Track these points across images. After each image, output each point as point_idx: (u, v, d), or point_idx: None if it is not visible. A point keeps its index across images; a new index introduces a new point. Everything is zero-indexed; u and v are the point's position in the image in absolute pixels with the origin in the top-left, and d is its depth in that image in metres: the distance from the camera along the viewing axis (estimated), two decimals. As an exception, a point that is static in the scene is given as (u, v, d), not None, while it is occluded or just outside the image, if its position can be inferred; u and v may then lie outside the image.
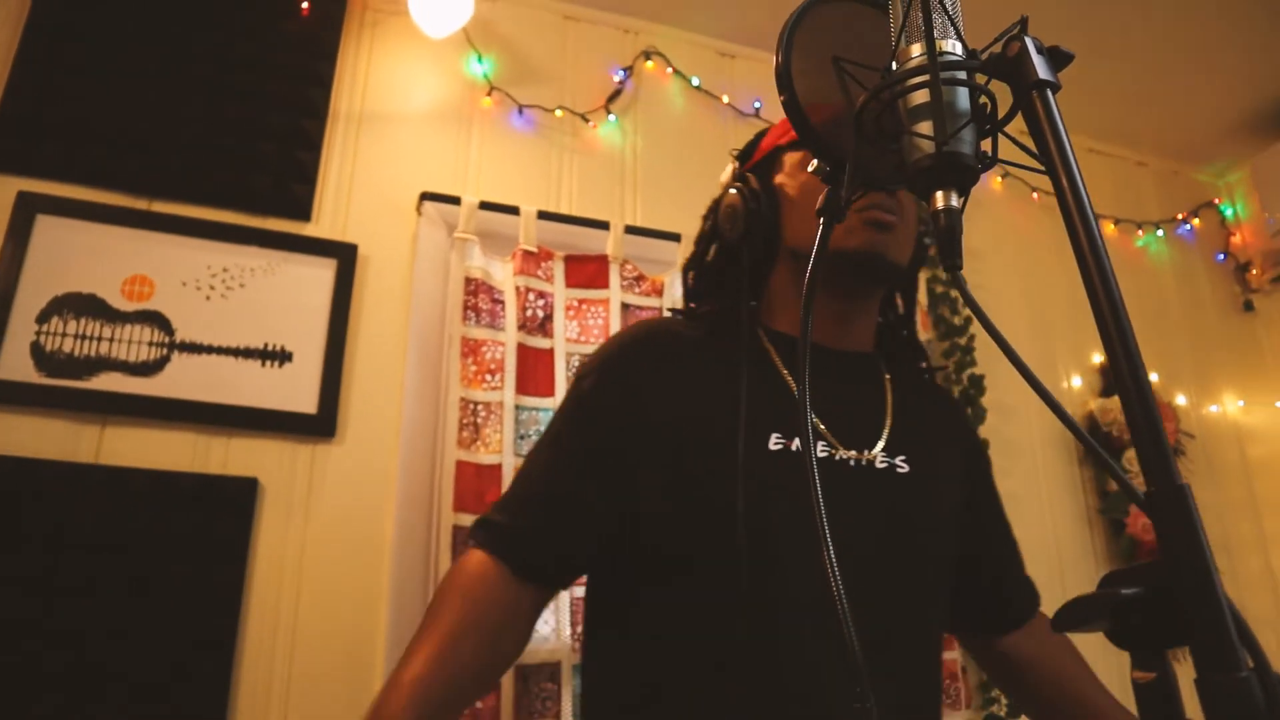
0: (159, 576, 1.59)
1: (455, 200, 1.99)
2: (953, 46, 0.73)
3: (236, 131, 1.90)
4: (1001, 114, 0.71)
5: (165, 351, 1.72)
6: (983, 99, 0.71)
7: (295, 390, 1.78)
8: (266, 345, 1.79)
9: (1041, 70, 0.66)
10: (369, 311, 1.91)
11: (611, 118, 2.28)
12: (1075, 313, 2.64)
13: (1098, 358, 2.60)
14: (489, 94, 2.16)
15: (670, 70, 2.39)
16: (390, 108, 2.08)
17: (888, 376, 1.05)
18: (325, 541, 1.73)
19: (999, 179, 2.67)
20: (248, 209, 1.87)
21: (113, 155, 1.80)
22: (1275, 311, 2.83)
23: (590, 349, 1.96)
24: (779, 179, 1.03)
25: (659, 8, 2.39)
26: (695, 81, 2.39)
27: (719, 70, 2.47)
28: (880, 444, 0.97)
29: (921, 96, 0.74)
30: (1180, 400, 2.60)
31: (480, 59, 2.17)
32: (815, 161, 0.85)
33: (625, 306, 2.06)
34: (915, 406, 1.04)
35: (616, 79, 2.32)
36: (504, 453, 1.83)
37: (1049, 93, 0.66)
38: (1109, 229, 2.77)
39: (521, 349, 1.91)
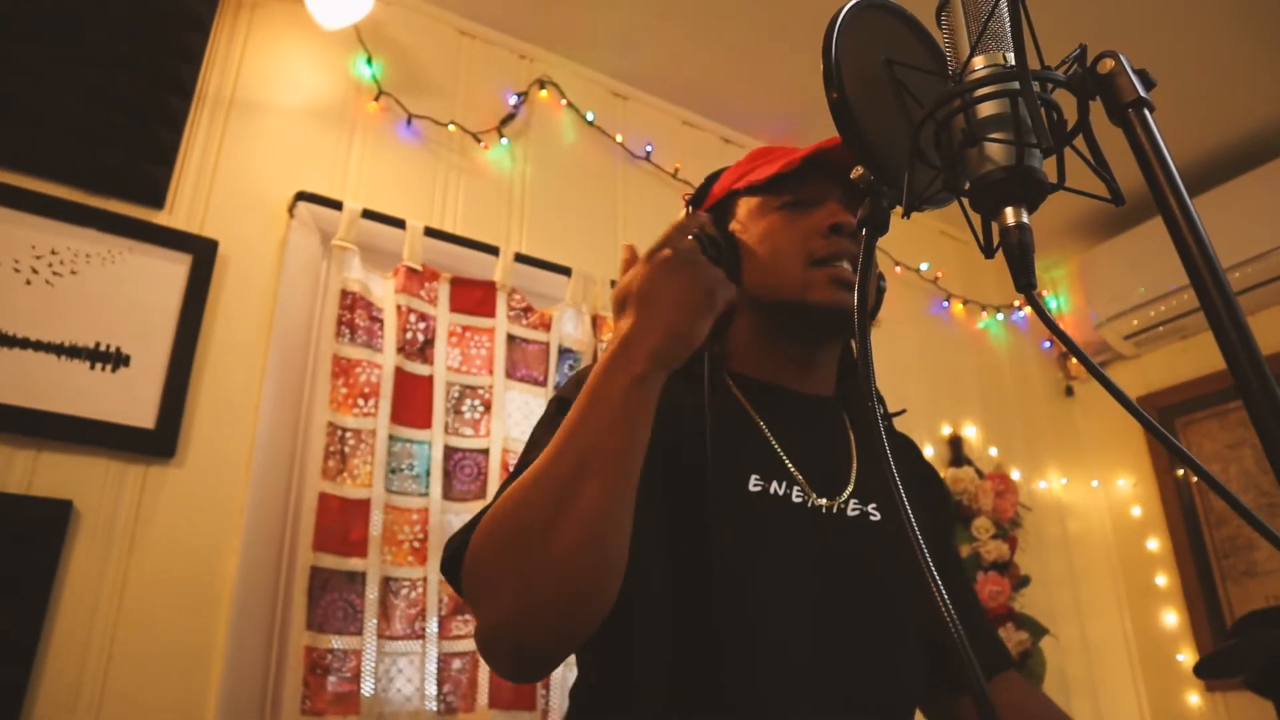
0: (-70, 617, 1.28)
1: (335, 205, 1.80)
2: (1011, 59, 0.70)
3: (85, 97, 1.63)
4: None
5: (-35, 341, 1.42)
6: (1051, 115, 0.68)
7: (130, 400, 1.51)
8: (99, 345, 1.51)
9: (1139, 87, 0.63)
10: (225, 317, 1.67)
11: (504, 141, 2.17)
12: (928, 384, 2.76)
13: (947, 429, 2.71)
14: (377, 98, 2.00)
15: (564, 102, 2.32)
16: (266, 96, 1.87)
17: (849, 421, 1.02)
18: (151, 582, 1.46)
19: (865, 251, 2.77)
20: (88, 186, 1.59)
21: (-82, 102, 1.49)
22: (1092, 399, 3.08)
23: (474, 380, 1.82)
24: (735, 225, 1.00)
25: (555, 38, 2.33)
26: (590, 116, 2.33)
27: (611, 108, 2.43)
28: (849, 489, 0.94)
29: (992, 108, 0.69)
30: (1015, 475, 2.75)
31: (370, 61, 2.00)
32: (859, 169, 0.80)
33: (511, 338, 1.93)
34: (876, 461, 1.01)
35: (510, 103, 2.22)
36: (374, 486, 1.63)
37: (1146, 111, 0.62)
38: (957, 308, 2.94)
39: (399, 374, 1.73)
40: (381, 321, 1.76)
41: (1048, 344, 3.17)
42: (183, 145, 1.73)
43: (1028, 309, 3.13)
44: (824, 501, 0.91)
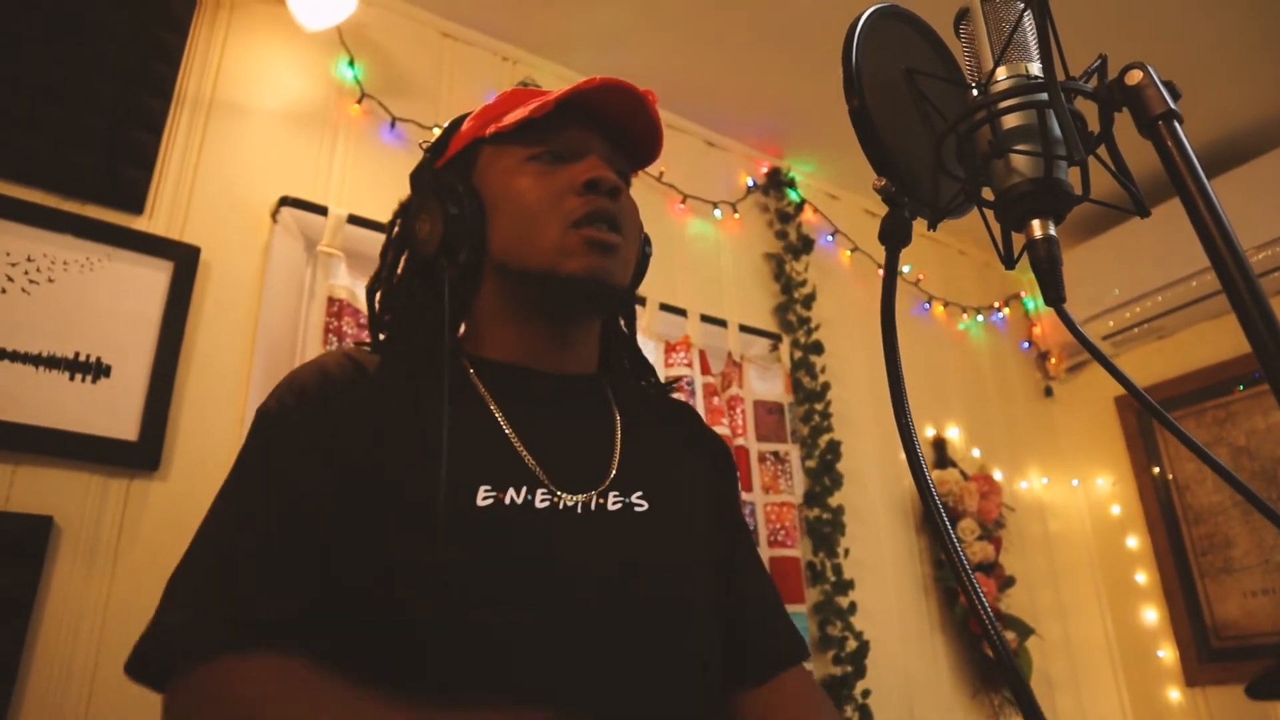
0: (-95, 641, 1.23)
1: (319, 209, 1.76)
2: (1037, 70, 0.70)
3: (60, 98, 1.58)
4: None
5: (-62, 353, 1.37)
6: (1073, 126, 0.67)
7: (111, 412, 1.47)
8: (78, 355, 1.46)
9: (1168, 100, 0.63)
10: (208, 325, 1.63)
11: (489, 145, 2.14)
12: (912, 386, 2.76)
13: (931, 431, 2.73)
14: (359, 101, 1.96)
15: (548, 106, 2.29)
16: (247, 98, 1.83)
17: (613, 399, 0.92)
18: (136, 600, 1.42)
19: (848, 253, 2.78)
20: (65, 191, 1.54)
21: (-115, 105, 1.44)
22: (1070, 398, 3.11)
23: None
24: (477, 178, 0.88)
25: (537, 40, 2.31)
26: (574, 120, 2.31)
27: (595, 113, 2.41)
28: (608, 479, 0.82)
29: (1017, 119, 0.69)
30: (998, 475, 2.77)
31: (352, 63, 1.97)
32: (882, 180, 0.78)
33: (500, 344, 1.90)
34: (648, 429, 0.91)
35: (495, 106, 2.19)
36: (363, 498, 1.60)
37: (1176, 124, 0.62)
38: (939, 310, 2.95)
39: (388, 382, 1.70)
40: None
41: (1026, 344, 3.20)
42: (162, 148, 1.68)
43: (1006, 310, 3.16)
44: (578, 498, 0.79)
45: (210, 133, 1.76)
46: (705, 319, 2.28)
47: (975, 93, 0.70)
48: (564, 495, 0.79)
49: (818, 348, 2.48)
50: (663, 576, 0.82)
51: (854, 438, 2.48)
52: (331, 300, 1.69)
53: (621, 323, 0.99)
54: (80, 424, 1.43)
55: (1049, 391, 3.15)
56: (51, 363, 1.44)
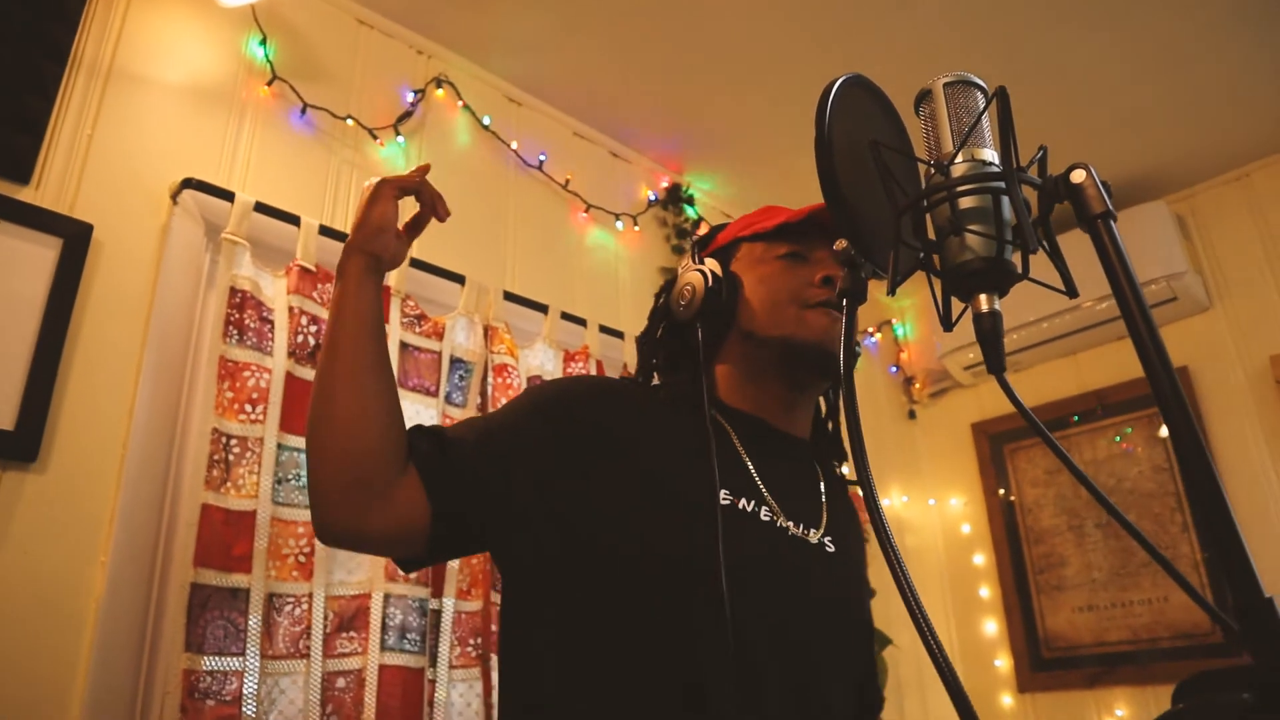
0: None
1: (223, 194, 1.69)
2: (991, 156, 0.77)
3: (-60, 52, 1.45)
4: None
5: None
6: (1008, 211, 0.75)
7: (-13, 397, 1.36)
8: (-48, 334, 1.35)
9: (1106, 200, 0.71)
10: (97, 309, 1.53)
11: (400, 139, 2.10)
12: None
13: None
14: (270, 83, 1.89)
15: (460, 103, 2.27)
16: (148, 68, 1.72)
17: (817, 464, 1.10)
18: (5, 600, 1.32)
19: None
20: (-57, 154, 1.42)
21: None
22: (931, 422, 3.33)
23: (368, 388, 1.75)
24: (736, 266, 1.08)
25: (455, 37, 2.28)
26: (486, 121, 2.30)
27: (505, 114, 2.40)
28: (823, 524, 1.02)
29: (973, 201, 0.76)
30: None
31: (264, 42, 1.89)
32: (843, 243, 0.84)
33: (404, 346, 1.88)
34: (839, 498, 1.10)
35: (408, 99, 2.15)
36: (259, 498, 1.55)
37: (1112, 223, 0.70)
38: (818, 332, 3.10)
39: (290, 379, 1.65)
40: (272, 323, 1.67)
41: (895, 369, 3.40)
42: (54, 114, 1.57)
43: (878, 335, 3.35)
44: (790, 524, 0.98)
45: (108, 102, 1.65)
46: (604, 329, 2.31)
47: (934, 171, 0.77)
48: (781, 517, 0.97)
49: (709, 363, 2.56)
50: (854, 604, 1.05)
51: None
52: (234, 291, 1.62)
53: (823, 405, 1.15)
54: (-49, 409, 1.33)
55: (913, 414, 3.36)
56: (-78, 341, 1.32)
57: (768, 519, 0.95)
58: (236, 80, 1.86)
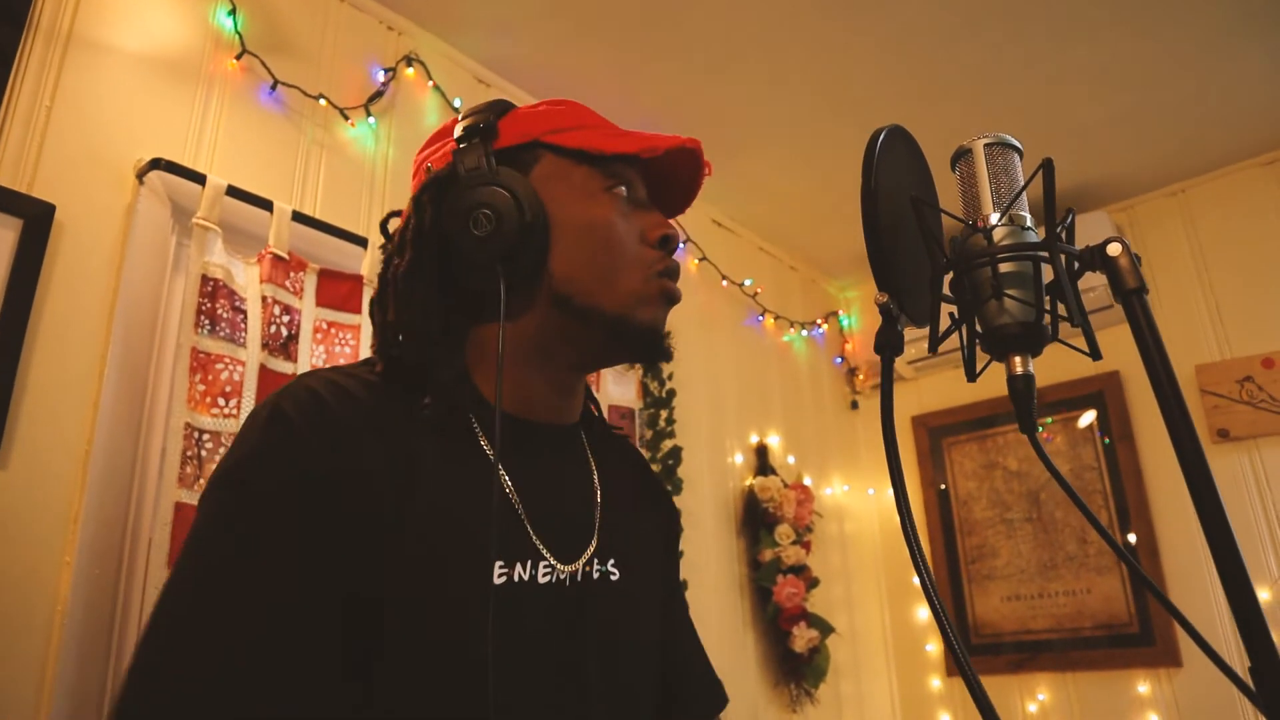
0: None
1: (192, 175, 1.61)
2: (1029, 221, 0.80)
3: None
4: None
5: None
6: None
7: (-54, 391, 1.29)
8: (-92, 323, 1.27)
9: (1138, 276, 0.74)
10: (59, 297, 1.45)
11: (371, 120, 2.04)
12: (742, 395, 2.94)
13: (755, 438, 2.92)
14: (239, 57, 1.80)
15: (430, 83, 2.21)
16: (109, 35, 1.62)
17: (588, 446, 0.92)
18: (-34, 604, 1.27)
19: (696, 261, 2.89)
20: (-106, 126, 1.32)
21: None
22: (872, 413, 3.43)
23: (341, 381, 1.72)
24: (541, 187, 0.78)
25: (429, 15, 2.21)
26: (457, 103, 2.25)
27: (474, 95, 2.35)
28: (591, 547, 0.83)
29: (1012, 267, 0.79)
30: (808, 481, 3.02)
31: (233, 13, 1.81)
32: (884, 296, 0.85)
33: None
34: (616, 480, 0.92)
35: (379, 78, 2.09)
36: (232, 495, 1.50)
37: (1145, 298, 0.74)
38: (769, 322, 3.15)
39: (263, 371, 1.60)
40: (245, 313, 1.61)
41: (839, 360, 3.48)
42: (10, 84, 1.47)
43: (825, 326, 3.42)
44: (569, 569, 0.79)
45: (67, 70, 1.55)
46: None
47: (978, 235, 0.79)
48: (561, 566, 0.79)
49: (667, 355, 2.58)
50: (632, 644, 0.86)
51: (692, 443, 2.61)
52: (206, 279, 1.56)
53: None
54: (-93, 403, 1.25)
55: (855, 405, 3.45)
56: (-124, 331, 1.24)
57: (546, 578, 0.76)
58: (204, 52, 1.77)
